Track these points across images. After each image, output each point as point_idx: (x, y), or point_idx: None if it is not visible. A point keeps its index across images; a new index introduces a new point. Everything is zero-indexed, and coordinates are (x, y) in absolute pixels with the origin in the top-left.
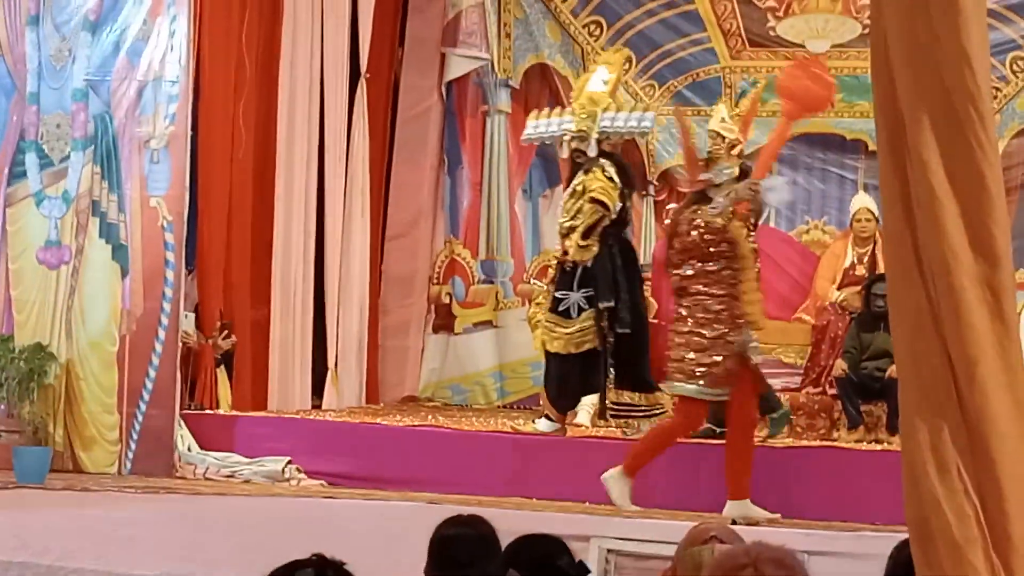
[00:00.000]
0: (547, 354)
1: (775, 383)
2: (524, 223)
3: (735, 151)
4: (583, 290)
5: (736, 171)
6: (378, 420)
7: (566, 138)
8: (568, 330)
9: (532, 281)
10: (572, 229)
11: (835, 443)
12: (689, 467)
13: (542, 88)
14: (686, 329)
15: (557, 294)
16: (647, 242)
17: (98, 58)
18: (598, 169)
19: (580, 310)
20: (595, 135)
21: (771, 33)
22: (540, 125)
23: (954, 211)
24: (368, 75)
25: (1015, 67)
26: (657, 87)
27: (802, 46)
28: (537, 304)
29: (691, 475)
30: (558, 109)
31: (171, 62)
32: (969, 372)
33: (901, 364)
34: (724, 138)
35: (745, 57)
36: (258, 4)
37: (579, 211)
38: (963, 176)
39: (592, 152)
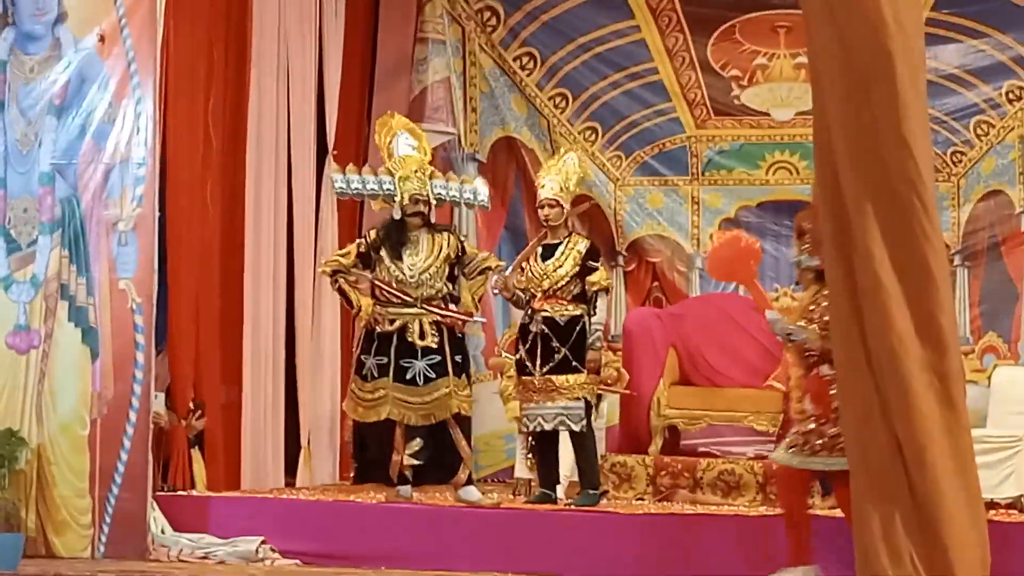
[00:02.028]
0: None
1: (748, 451)
2: (494, 297)
3: None
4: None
5: None
6: (352, 497)
7: (402, 200)
8: None
9: (504, 354)
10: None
11: (809, 511)
12: None
13: (509, 161)
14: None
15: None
16: (618, 313)
17: (64, 142)
18: (456, 235)
19: None
20: (433, 200)
21: (736, 102)
22: (354, 180)
23: (900, 299)
24: (335, 152)
25: (979, 131)
26: (624, 157)
27: (767, 114)
28: (509, 377)
29: None
30: (367, 167)
31: (137, 144)
32: (919, 459)
33: (851, 452)
34: None
35: (711, 126)
36: (223, 83)
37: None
38: (908, 264)
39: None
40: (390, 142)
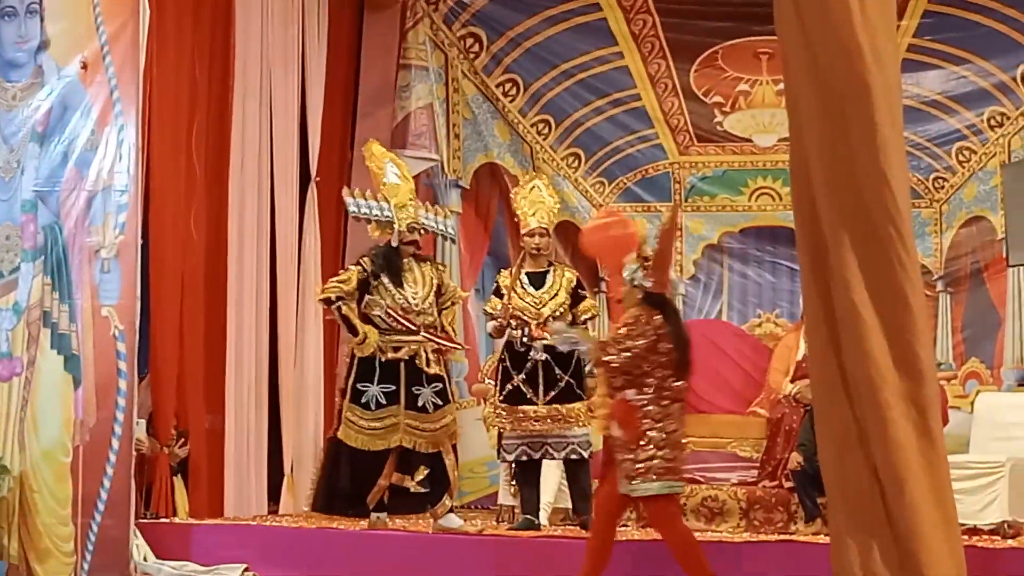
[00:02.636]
0: None
1: (730, 477)
2: (477, 323)
3: None
4: None
5: None
6: (335, 524)
7: (399, 227)
8: None
9: (487, 381)
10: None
11: (792, 537)
12: None
13: (492, 187)
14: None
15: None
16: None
17: (47, 169)
18: (436, 265)
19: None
20: (423, 230)
21: (719, 128)
22: (362, 205)
23: (877, 329)
24: (318, 179)
25: (961, 157)
26: (607, 184)
27: (749, 140)
28: (492, 403)
29: None
30: (368, 192)
31: (120, 171)
32: (898, 489)
33: (829, 482)
34: None
35: (693, 152)
36: (206, 110)
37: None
38: (885, 295)
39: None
40: (381, 169)
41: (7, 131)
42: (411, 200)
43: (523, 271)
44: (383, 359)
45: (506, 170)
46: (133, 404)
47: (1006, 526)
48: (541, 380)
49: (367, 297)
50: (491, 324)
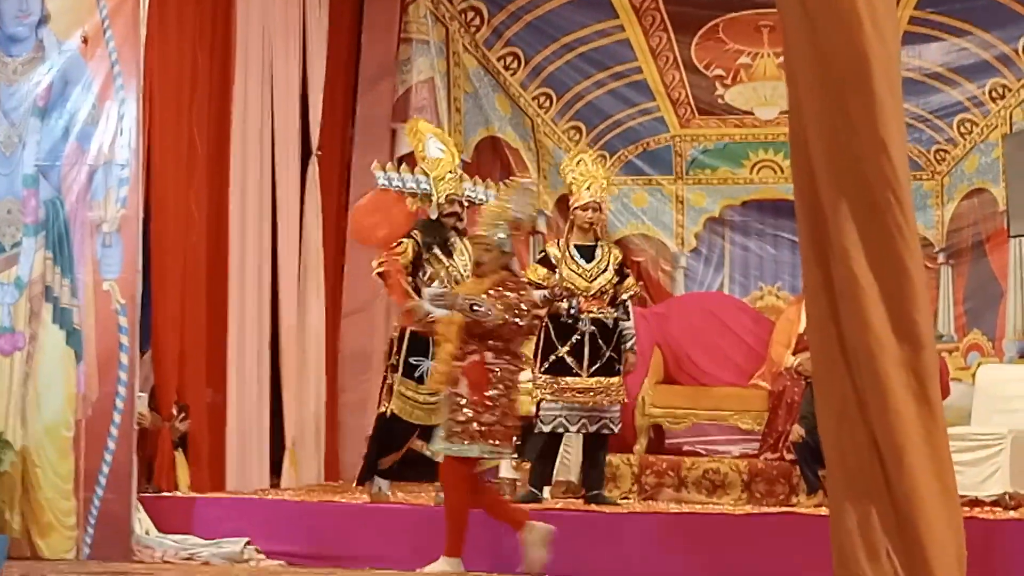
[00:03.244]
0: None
1: (733, 449)
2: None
3: None
4: None
5: None
6: (337, 498)
7: (439, 199)
8: None
9: None
10: None
11: (794, 509)
12: None
13: (494, 161)
14: None
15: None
16: None
17: (48, 144)
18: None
19: None
20: (465, 202)
21: (720, 101)
22: (395, 177)
23: (876, 298)
24: (320, 153)
25: (962, 129)
26: (608, 157)
27: (751, 113)
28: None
29: None
30: (403, 165)
31: (121, 146)
32: (897, 457)
33: (828, 451)
34: None
35: (695, 125)
36: (208, 85)
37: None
38: (884, 263)
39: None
40: (420, 145)
41: (8, 106)
42: (451, 173)
43: (571, 243)
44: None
45: (507, 143)
46: (135, 378)
47: (1007, 498)
48: (587, 352)
49: (430, 270)
50: (539, 293)
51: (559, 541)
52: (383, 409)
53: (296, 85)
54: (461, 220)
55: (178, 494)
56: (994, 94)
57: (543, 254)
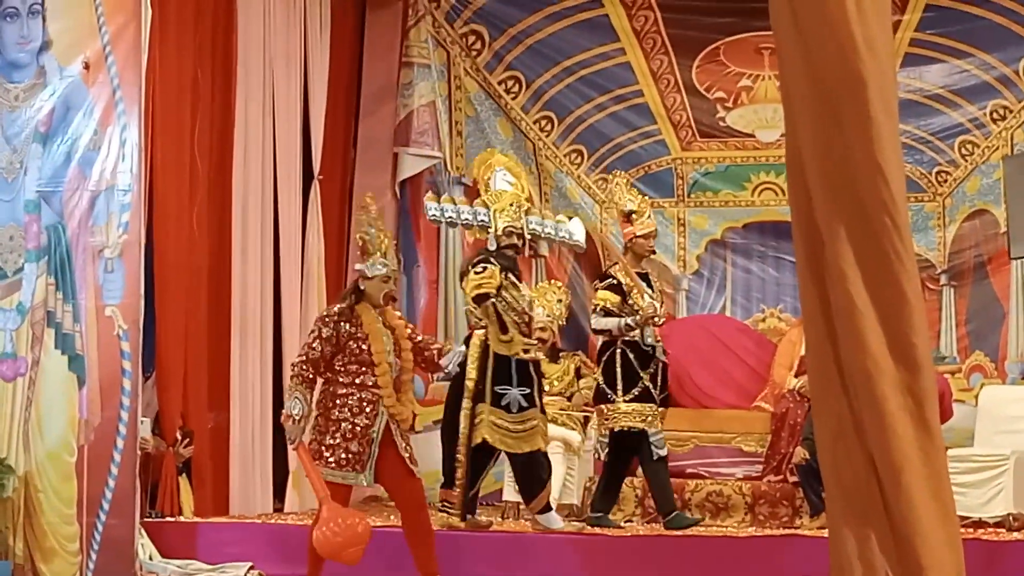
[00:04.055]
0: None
1: (736, 472)
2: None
3: None
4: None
5: None
6: None
7: (496, 231)
8: None
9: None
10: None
11: (798, 531)
12: None
13: None
14: None
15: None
16: None
17: (50, 169)
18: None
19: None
20: (527, 235)
21: (721, 124)
22: (448, 209)
23: (873, 321)
24: (321, 177)
25: (964, 151)
26: (609, 180)
27: (752, 135)
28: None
29: None
30: (459, 197)
31: (123, 171)
32: (894, 479)
33: (826, 473)
34: None
35: (696, 148)
36: (210, 109)
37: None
38: (881, 286)
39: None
40: (488, 177)
41: (10, 131)
42: (512, 206)
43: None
44: (516, 360)
45: None
46: (137, 403)
47: (1011, 519)
48: (659, 380)
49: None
50: (620, 321)
51: (564, 565)
52: (475, 439)
53: (297, 109)
54: (518, 252)
55: (181, 519)
56: (995, 115)
57: (611, 280)
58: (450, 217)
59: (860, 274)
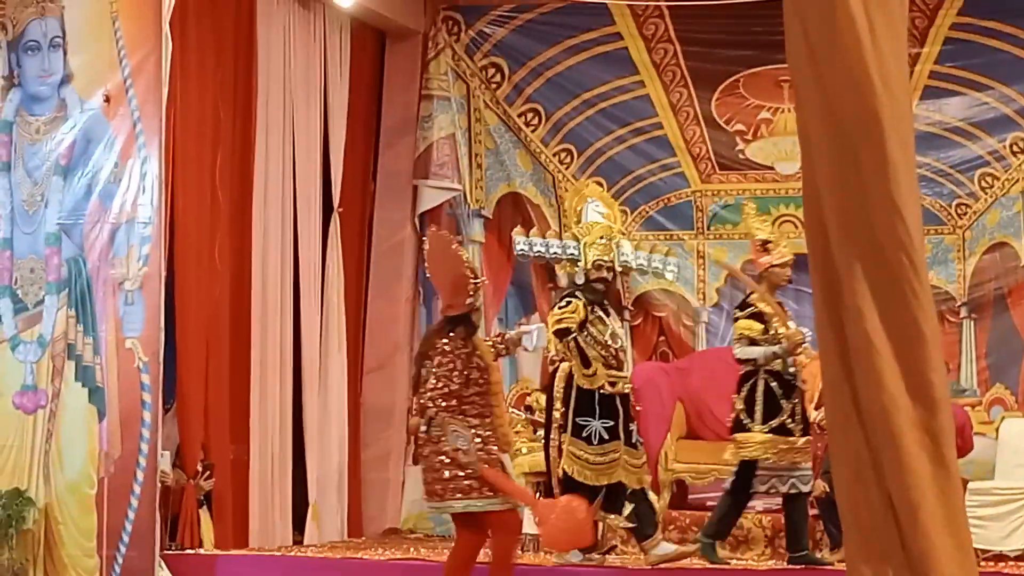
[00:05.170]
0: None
1: (756, 504)
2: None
3: None
4: None
5: None
6: (360, 554)
7: (586, 264)
8: None
9: (510, 410)
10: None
11: (819, 564)
12: None
13: (515, 217)
14: None
15: None
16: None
17: (70, 202)
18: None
19: None
20: (618, 267)
21: (741, 156)
22: (537, 244)
23: (890, 358)
24: (341, 209)
25: (983, 183)
26: (629, 212)
27: (771, 168)
28: (516, 432)
29: None
30: (549, 232)
31: (143, 204)
32: (912, 517)
33: (844, 510)
34: None
35: (715, 181)
36: (230, 142)
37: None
38: (898, 324)
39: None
40: (580, 208)
41: (31, 164)
42: (603, 239)
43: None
44: (601, 393)
45: (528, 199)
46: (157, 436)
47: None
48: (802, 408)
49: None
50: (767, 349)
51: None
52: (559, 469)
53: (317, 141)
54: (607, 285)
55: (201, 551)
56: (1015, 148)
57: (751, 309)
58: (539, 252)
59: (877, 312)
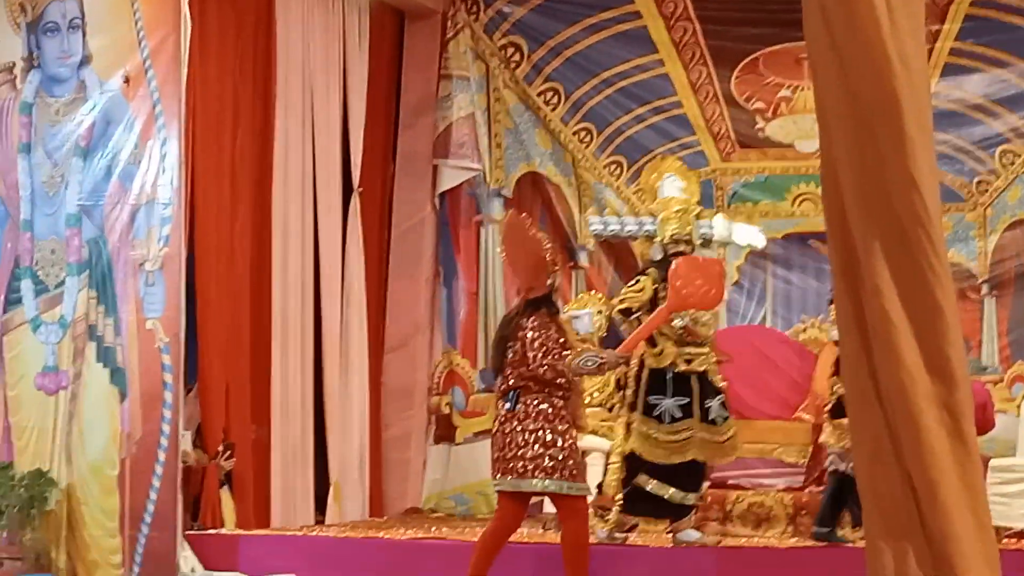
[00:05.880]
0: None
1: (777, 483)
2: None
3: None
4: None
5: None
6: (382, 534)
7: (663, 239)
8: None
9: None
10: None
11: (840, 542)
12: None
13: (535, 196)
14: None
15: None
16: None
17: (90, 183)
18: None
19: None
20: (696, 241)
21: (760, 135)
22: (611, 223)
23: (909, 335)
24: (361, 189)
25: (1004, 160)
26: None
27: (791, 146)
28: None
29: None
30: (624, 208)
31: (163, 185)
32: (931, 494)
33: (863, 488)
34: None
35: (736, 159)
36: (250, 122)
37: None
38: (916, 300)
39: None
40: (657, 184)
41: (51, 146)
42: (680, 211)
43: None
44: (674, 372)
45: (548, 179)
46: (179, 416)
47: None
48: None
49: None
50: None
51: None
52: (622, 447)
53: (337, 122)
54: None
55: (223, 531)
56: None
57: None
58: (613, 230)
59: (895, 288)
